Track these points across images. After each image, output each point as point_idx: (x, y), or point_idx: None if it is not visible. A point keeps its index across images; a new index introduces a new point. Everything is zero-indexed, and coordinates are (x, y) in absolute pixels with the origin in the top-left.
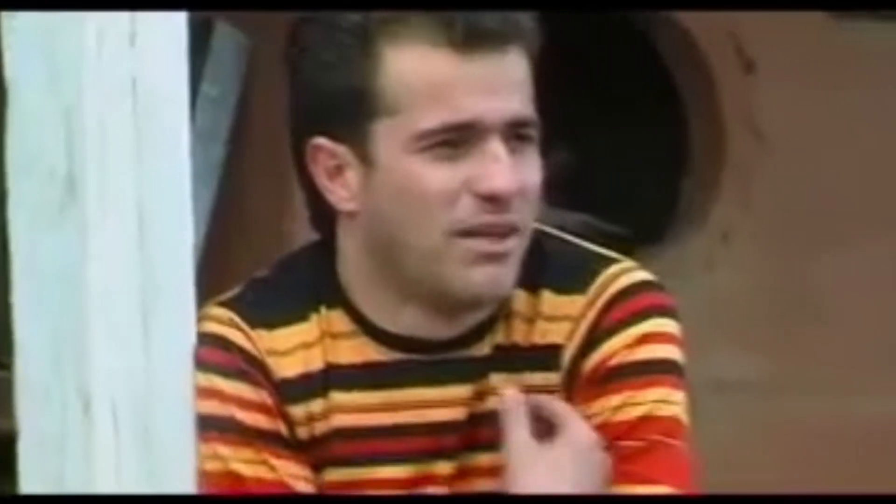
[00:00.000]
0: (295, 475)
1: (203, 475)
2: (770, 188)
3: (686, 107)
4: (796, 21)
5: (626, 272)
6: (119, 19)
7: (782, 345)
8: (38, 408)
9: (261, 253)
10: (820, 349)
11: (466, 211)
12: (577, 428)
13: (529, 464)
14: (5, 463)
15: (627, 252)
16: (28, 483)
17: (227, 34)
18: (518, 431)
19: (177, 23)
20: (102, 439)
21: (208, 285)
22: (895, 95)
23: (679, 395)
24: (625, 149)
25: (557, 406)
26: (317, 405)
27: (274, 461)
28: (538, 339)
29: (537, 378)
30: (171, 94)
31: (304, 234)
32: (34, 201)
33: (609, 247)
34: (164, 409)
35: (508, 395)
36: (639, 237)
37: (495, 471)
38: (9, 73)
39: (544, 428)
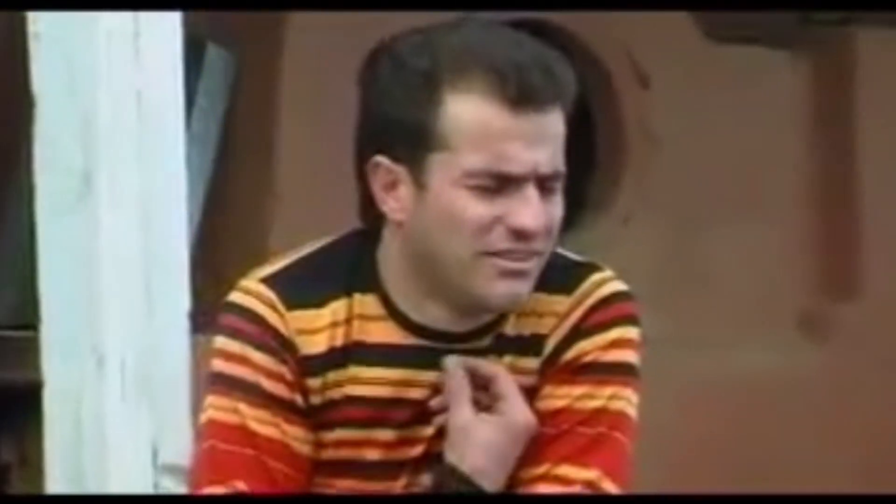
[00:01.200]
0: (299, 438)
1: (216, 424)
2: (662, 181)
3: (592, 115)
4: (681, 43)
5: (607, 282)
6: (126, 40)
7: (673, 308)
8: (60, 363)
9: (243, 237)
10: (705, 311)
11: (496, 238)
12: (514, 408)
13: (466, 441)
14: (33, 408)
15: None
16: (51, 424)
17: (217, 55)
18: (460, 409)
19: (175, 44)
20: (113, 388)
21: (201, 262)
22: (762, 103)
23: (629, 392)
24: None
25: (500, 382)
26: (333, 375)
27: (285, 426)
28: (526, 330)
29: (520, 362)
30: (170, 104)
31: (281, 222)
32: (56, 192)
33: None
34: (162, 364)
35: (450, 365)
36: None
37: None
38: (35, 86)
39: (487, 394)
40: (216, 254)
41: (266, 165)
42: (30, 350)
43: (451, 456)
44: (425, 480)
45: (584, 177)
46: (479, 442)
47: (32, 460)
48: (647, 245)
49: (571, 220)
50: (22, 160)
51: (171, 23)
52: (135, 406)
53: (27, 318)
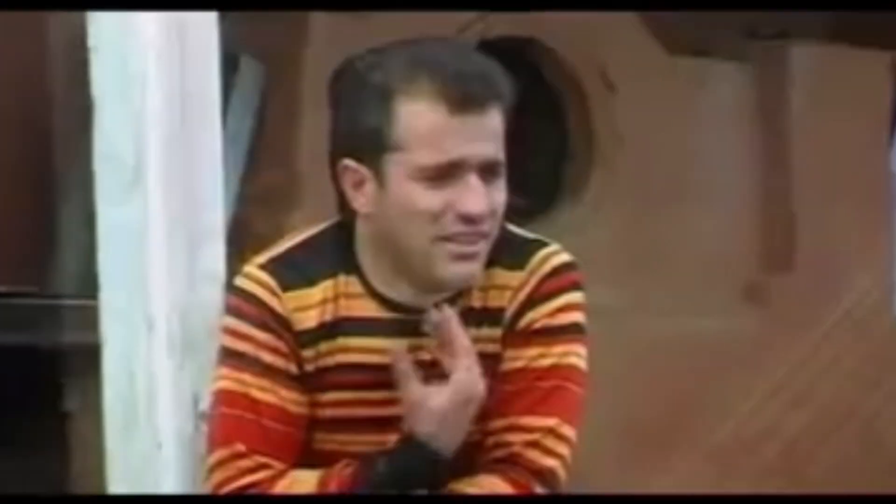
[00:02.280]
0: (294, 401)
1: (225, 392)
2: (626, 173)
3: (566, 117)
4: (643, 55)
5: (553, 255)
6: (171, 52)
7: (635, 280)
8: (116, 327)
9: (272, 220)
10: (662, 282)
11: (448, 223)
12: (462, 381)
13: (420, 412)
14: (93, 366)
15: (527, 218)
16: (109, 381)
17: (248, 65)
18: (410, 387)
19: (213, 55)
20: (160, 348)
21: (236, 241)
22: (711, 106)
23: (578, 348)
24: (526, 148)
25: (459, 353)
26: (325, 346)
27: (282, 392)
28: (491, 303)
29: (486, 331)
30: (208, 107)
31: (302, 207)
32: (111, 181)
33: (516, 213)
34: (202, 328)
35: (395, 354)
36: (536, 208)
37: None
38: (94, 91)
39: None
40: (249, 234)
41: (291, 158)
42: (91, 317)
43: (408, 424)
44: (391, 443)
45: (560, 169)
46: (430, 412)
47: (93, 408)
48: (614, 227)
49: (549, 206)
50: (81, 154)
51: (209, 36)
52: (179, 362)
53: (88, 289)
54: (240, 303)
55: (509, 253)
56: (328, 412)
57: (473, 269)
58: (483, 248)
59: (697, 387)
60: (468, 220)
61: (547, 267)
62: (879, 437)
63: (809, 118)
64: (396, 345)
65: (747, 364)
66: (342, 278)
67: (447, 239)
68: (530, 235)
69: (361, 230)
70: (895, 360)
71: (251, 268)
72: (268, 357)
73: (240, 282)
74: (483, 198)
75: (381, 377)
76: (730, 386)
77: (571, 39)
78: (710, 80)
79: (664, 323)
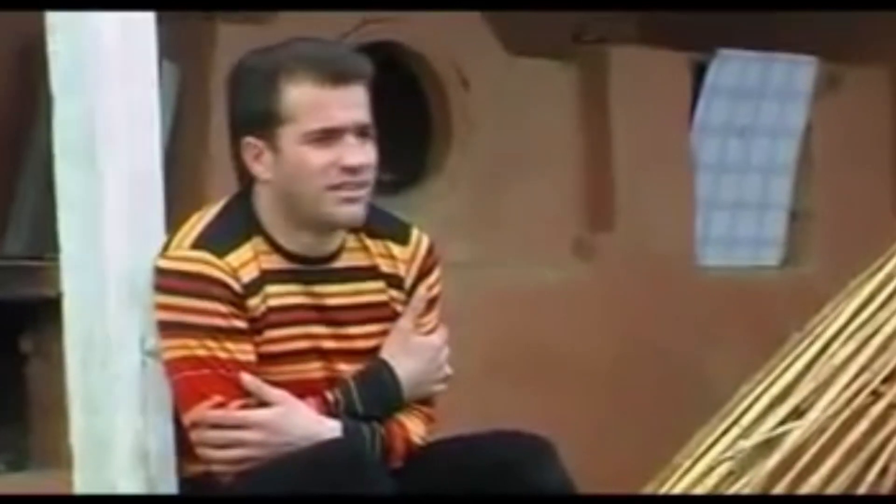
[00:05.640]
0: (247, 352)
1: (193, 359)
2: (476, 153)
3: (429, 107)
4: (489, 56)
5: (422, 235)
6: (117, 56)
7: (485, 239)
8: (75, 281)
9: (188, 194)
10: (506, 241)
11: (334, 176)
12: (435, 338)
13: (400, 345)
14: (45, 316)
15: (398, 190)
16: (70, 326)
17: (166, 67)
18: (405, 319)
19: (152, 62)
20: (112, 296)
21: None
22: (544, 96)
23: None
24: (396, 133)
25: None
26: (260, 295)
27: (237, 346)
28: (391, 270)
29: (394, 293)
30: (151, 104)
31: (215, 183)
32: (68, 164)
33: (389, 186)
34: (145, 279)
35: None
36: (405, 182)
37: (341, 337)
38: (54, 89)
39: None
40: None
41: (203, 143)
42: (41, 275)
43: (385, 350)
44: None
45: (424, 150)
46: (406, 348)
47: (44, 350)
48: (468, 196)
49: (416, 180)
50: (34, 139)
51: (150, 45)
52: (127, 308)
53: (38, 252)
54: (180, 283)
55: (391, 228)
56: (270, 348)
57: (358, 210)
58: (365, 193)
59: (533, 325)
60: (350, 170)
61: (424, 245)
62: (675, 362)
63: (623, 105)
64: (303, 289)
65: (575, 306)
66: (255, 239)
67: (335, 188)
68: (394, 214)
69: (261, 196)
70: (694, 299)
71: (181, 250)
72: (221, 322)
73: (174, 265)
74: (360, 152)
75: (300, 315)
76: (560, 325)
77: (433, 44)
78: (543, 76)
79: (510, 273)
